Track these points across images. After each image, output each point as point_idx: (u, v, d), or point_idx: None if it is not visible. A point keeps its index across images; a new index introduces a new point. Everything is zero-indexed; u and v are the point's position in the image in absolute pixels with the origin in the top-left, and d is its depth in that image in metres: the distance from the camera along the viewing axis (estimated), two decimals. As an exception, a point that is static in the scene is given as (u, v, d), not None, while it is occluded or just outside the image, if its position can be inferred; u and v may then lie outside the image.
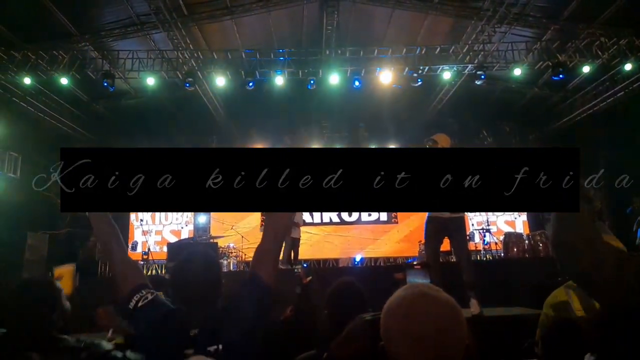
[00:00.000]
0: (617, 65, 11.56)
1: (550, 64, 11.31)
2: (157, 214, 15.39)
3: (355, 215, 15.81)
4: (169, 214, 15.42)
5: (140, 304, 1.80)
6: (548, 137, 16.03)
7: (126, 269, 1.98)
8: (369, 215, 15.86)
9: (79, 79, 11.59)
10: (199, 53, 11.98)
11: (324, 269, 13.21)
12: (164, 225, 15.27)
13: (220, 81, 11.59)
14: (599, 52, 11.30)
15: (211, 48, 12.32)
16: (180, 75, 11.73)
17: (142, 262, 12.91)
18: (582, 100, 14.02)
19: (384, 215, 15.81)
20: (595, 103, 13.46)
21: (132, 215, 15.27)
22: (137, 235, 14.74)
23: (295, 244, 9.85)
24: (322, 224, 15.36)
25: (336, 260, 14.52)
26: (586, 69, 11.63)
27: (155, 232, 15.05)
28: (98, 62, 11.54)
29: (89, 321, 3.56)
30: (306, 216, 15.62)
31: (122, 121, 14.79)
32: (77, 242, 14.16)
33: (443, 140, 5.32)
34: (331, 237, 15.27)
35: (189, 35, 11.74)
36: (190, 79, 11.34)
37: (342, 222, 15.74)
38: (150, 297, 1.84)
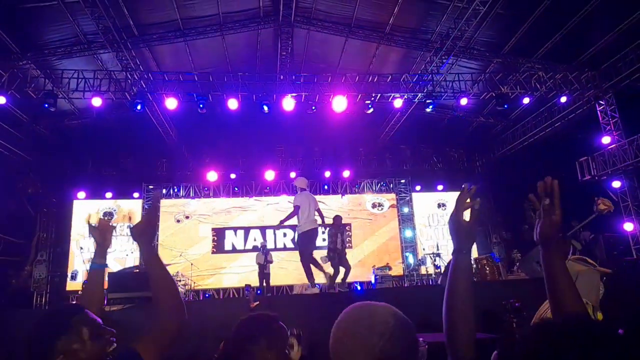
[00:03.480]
0: (554, 97, 12.34)
1: (494, 94, 11.90)
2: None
3: (309, 240, 15.68)
4: (113, 241, 14.66)
5: None
6: (493, 163, 16.77)
7: None
8: (324, 240, 15.76)
9: (19, 99, 10.95)
10: (149, 74, 11.69)
11: (274, 296, 12.91)
12: (107, 253, 14.45)
13: (172, 103, 11.32)
14: (537, 85, 12.02)
15: (162, 69, 12.08)
16: (128, 97, 11.36)
17: (82, 293, 12.16)
18: (524, 129, 14.84)
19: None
20: (535, 132, 14.28)
21: (73, 243, 14.42)
22: (77, 264, 13.89)
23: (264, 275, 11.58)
24: (275, 249, 15.10)
25: (290, 287, 14.26)
26: (526, 100, 12.32)
27: (97, 260, 14.23)
28: (40, 81, 10.97)
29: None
30: (259, 242, 15.35)
31: (66, 143, 14.09)
32: (10, 271, 13.18)
33: None
34: (285, 262, 15.01)
35: (138, 56, 11.48)
36: (139, 101, 11.00)
37: (297, 248, 15.55)
38: None
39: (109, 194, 15.14)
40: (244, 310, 5.39)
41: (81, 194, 15.00)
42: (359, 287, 12.57)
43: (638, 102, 11.30)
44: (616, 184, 11.82)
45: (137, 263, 13.99)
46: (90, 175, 15.29)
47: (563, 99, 12.25)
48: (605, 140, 11.93)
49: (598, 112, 12.29)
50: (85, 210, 14.94)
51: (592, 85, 11.91)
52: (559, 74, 11.92)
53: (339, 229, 9.27)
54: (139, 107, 11.02)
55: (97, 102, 11.01)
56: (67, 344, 1.48)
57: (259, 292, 13.10)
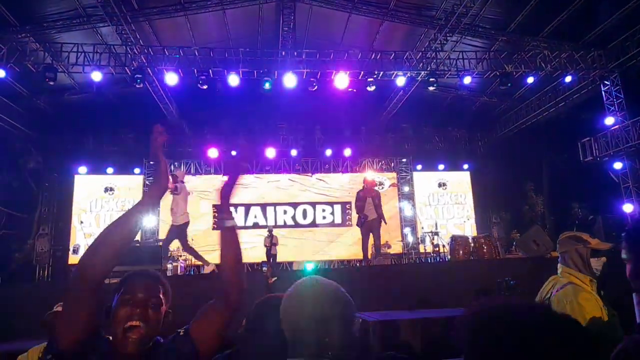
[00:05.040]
0: (559, 77, 12.19)
1: (498, 73, 11.75)
2: (102, 216, 14.69)
3: (310, 217, 15.77)
4: (115, 215, 14.75)
5: None
6: (495, 143, 16.70)
7: None
8: (324, 218, 15.88)
9: (18, 72, 10.86)
10: (150, 49, 11.56)
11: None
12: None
13: (172, 79, 11.22)
14: (542, 64, 11.86)
15: (162, 44, 11.93)
16: (128, 71, 11.26)
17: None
18: (527, 109, 14.72)
19: (338, 218, 15.87)
20: (539, 112, 14.16)
21: (74, 217, 14.52)
22: (79, 238, 14.00)
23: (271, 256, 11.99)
24: (275, 226, 15.20)
25: (290, 264, 14.42)
26: (530, 79, 12.18)
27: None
28: (39, 54, 10.85)
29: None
30: (259, 219, 15.44)
31: (66, 117, 14.03)
32: (13, 245, 13.33)
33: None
34: (285, 239, 15.13)
35: (138, 31, 11.32)
36: (139, 76, 10.90)
37: (297, 225, 15.66)
38: None
39: (110, 170, 15.17)
40: (260, 285, 5.53)
41: (82, 169, 15.03)
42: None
43: (643, 83, 11.18)
44: (618, 165, 11.80)
45: (138, 238, 14.13)
46: (91, 150, 15.28)
47: (568, 79, 12.09)
48: (609, 121, 11.84)
49: (603, 92, 12.16)
50: (86, 185, 14.99)
51: (598, 65, 11.75)
52: (565, 53, 11.75)
53: (370, 194, 8.67)
54: (139, 82, 10.94)
55: (97, 76, 10.92)
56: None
57: (265, 268, 13.30)
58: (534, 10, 10.67)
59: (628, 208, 11.41)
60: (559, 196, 11.90)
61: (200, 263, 9.46)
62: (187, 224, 7.99)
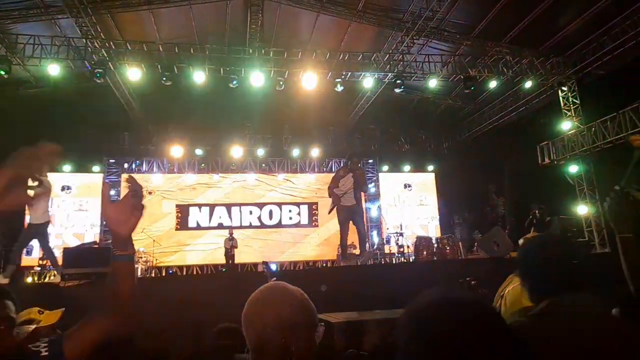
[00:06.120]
0: (520, 82, 12.60)
1: (462, 77, 12.03)
2: (58, 215, 14.06)
3: (276, 218, 15.65)
4: (72, 215, 14.16)
5: None
6: (459, 146, 17.08)
7: None
8: (290, 218, 15.79)
9: (-32, 63, 10.26)
10: (111, 43, 11.16)
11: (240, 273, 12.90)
12: (65, 228, 13.98)
13: (134, 74, 10.87)
14: (504, 69, 12.22)
15: (125, 38, 11.54)
16: (88, 65, 10.83)
17: (38, 269, 11.77)
18: (490, 113, 15.14)
19: (304, 219, 15.82)
20: (501, 116, 14.60)
21: (28, 217, 13.82)
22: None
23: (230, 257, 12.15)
24: (241, 227, 15.01)
25: (255, 265, 14.26)
26: (493, 84, 12.53)
27: (55, 235, 13.71)
28: (-8, 45, 10.31)
29: None
30: (224, 219, 15.19)
31: (21, 112, 13.32)
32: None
33: None
34: (251, 240, 14.96)
35: (100, 24, 10.91)
36: (100, 70, 10.51)
37: (262, 226, 15.50)
38: None
39: (67, 167, 14.54)
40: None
41: (38, 167, 14.33)
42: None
43: (598, 90, 11.70)
44: (573, 168, 12.28)
45: (96, 239, 13.62)
46: (48, 147, 14.59)
47: (528, 84, 12.53)
48: (566, 125, 12.33)
49: (560, 98, 12.64)
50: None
51: (557, 71, 12.21)
52: (526, 59, 12.14)
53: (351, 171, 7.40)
54: (99, 76, 10.55)
55: (54, 69, 10.47)
56: None
57: (224, 270, 13.09)
58: (497, 16, 10.97)
59: (582, 210, 11.91)
60: (519, 198, 12.28)
61: (162, 264, 9.20)
62: (48, 223, 7.22)
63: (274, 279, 5.56)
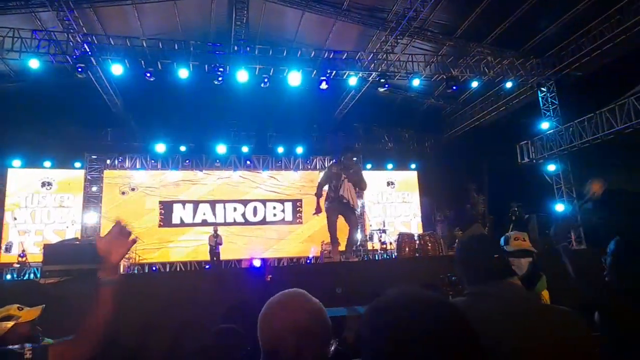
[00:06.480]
0: (501, 82, 12.85)
1: (445, 77, 12.22)
2: (39, 212, 13.85)
3: (260, 215, 15.67)
4: (53, 211, 13.95)
5: None
6: (441, 145, 17.34)
7: None
8: (274, 215, 15.83)
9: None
10: (94, 37, 11.02)
11: (226, 268, 12.90)
12: (46, 225, 13.77)
13: (117, 69, 10.76)
14: (486, 70, 12.45)
15: (108, 33, 11.41)
16: (70, 60, 10.68)
17: (17, 266, 11.60)
18: (471, 112, 15.41)
19: (289, 216, 15.87)
20: (482, 115, 14.87)
21: (7, 213, 13.59)
22: (12, 235, 13.15)
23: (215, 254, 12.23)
24: (225, 224, 14.98)
25: (238, 262, 14.28)
26: (475, 84, 12.76)
27: (35, 232, 13.52)
28: (-30, 38, 10.08)
29: None
30: (208, 216, 15.15)
31: (0, 107, 13.09)
32: None
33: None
34: (234, 237, 14.95)
35: (82, 17, 10.75)
36: (82, 65, 10.37)
37: (247, 223, 15.50)
38: None
39: (47, 163, 14.28)
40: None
41: (17, 162, 14.06)
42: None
43: (576, 91, 12.01)
44: (551, 167, 12.60)
45: (77, 235, 13.47)
46: (28, 142, 14.27)
47: (509, 84, 12.79)
48: (545, 125, 12.63)
49: (540, 98, 12.94)
50: (21, 179, 14.06)
51: (536, 72, 12.49)
52: (506, 59, 12.39)
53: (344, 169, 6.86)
54: (81, 71, 10.41)
55: (34, 64, 10.30)
56: None
57: (208, 266, 13.05)
58: (479, 17, 11.19)
59: (560, 207, 12.23)
60: (499, 196, 12.55)
61: (145, 261, 9.14)
62: None
63: (270, 276, 5.65)
